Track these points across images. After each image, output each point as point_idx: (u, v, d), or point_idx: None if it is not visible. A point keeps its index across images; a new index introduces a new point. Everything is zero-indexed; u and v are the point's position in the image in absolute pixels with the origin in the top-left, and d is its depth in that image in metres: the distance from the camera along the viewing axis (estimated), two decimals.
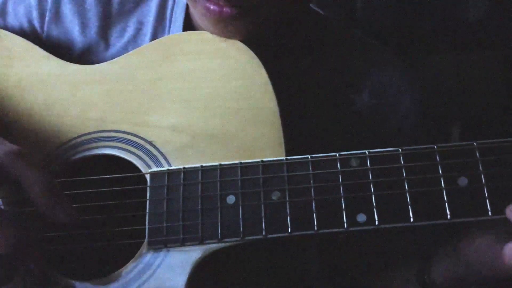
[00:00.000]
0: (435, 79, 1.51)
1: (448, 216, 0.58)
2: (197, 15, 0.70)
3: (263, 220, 0.60)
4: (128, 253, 0.64)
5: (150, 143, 0.67)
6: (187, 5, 0.80)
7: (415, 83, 0.85)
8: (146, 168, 0.66)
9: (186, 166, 0.64)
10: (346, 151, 0.62)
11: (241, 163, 0.62)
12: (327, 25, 0.86)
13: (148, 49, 0.72)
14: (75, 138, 0.69)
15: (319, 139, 0.78)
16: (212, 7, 0.65)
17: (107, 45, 0.80)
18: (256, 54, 0.68)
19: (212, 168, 0.63)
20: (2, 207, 0.66)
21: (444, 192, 0.58)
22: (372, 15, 1.52)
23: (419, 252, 0.76)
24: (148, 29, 0.80)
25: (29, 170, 0.58)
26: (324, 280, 0.84)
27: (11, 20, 0.80)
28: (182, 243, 0.61)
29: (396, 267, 0.81)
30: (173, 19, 0.80)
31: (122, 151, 0.67)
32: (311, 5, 0.82)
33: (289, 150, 0.64)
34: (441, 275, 0.72)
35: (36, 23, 0.80)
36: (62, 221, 0.60)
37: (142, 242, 0.63)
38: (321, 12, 0.86)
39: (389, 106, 0.82)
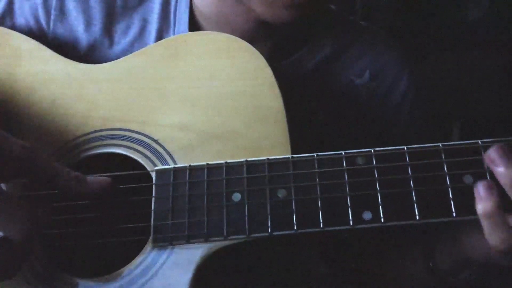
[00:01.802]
0: (435, 79, 1.51)
1: (454, 214, 0.58)
2: (267, 5, 0.71)
3: (269, 218, 0.60)
4: (133, 251, 0.64)
5: (156, 141, 0.67)
6: (190, 2, 0.80)
7: (411, 63, 0.86)
8: (152, 166, 0.66)
9: (192, 164, 0.64)
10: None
11: (247, 161, 0.63)
12: (324, 13, 0.86)
13: (154, 48, 0.72)
14: (81, 136, 0.69)
15: (324, 130, 0.79)
16: None
17: (112, 42, 0.80)
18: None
19: (218, 166, 0.63)
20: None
21: (450, 190, 0.59)
22: (372, 15, 1.53)
23: (422, 238, 0.78)
24: (153, 27, 0.80)
25: (50, 162, 0.60)
26: (326, 280, 0.84)
27: (18, 18, 0.80)
28: (188, 240, 0.61)
29: (400, 253, 0.82)
30: (177, 16, 0.80)
31: (128, 150, 0.67)
32: None
33: (295, 146, 0.65)
34: (444, 261, 0.74)
35: (42, 21, 0.80)
36: (96, 193, 0.62)
37: (147, 240, 0.63)
38: None
39: (388, 87, 0.84)
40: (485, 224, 0.57)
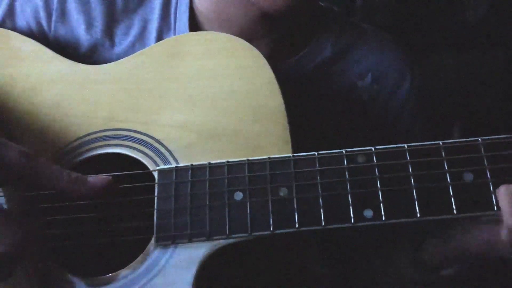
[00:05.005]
0: (435, 78, 1.52)
1: (454, 211, 0.58)
2: None
3: (271, 216, 0.60)
4: (136, 250, 0.64)
5: (158, 141, 0.67)
6: (190, 3, 0.80)
7: (414, 66, 0.86)
8: (154, 166, 0.66)
9: (194, 163, 0.64)
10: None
11: (248, 160, 0.63)
12: (324, 13, 0.86)
13: (155, 49, 0.73)
14: (83, 136, 0.69)
15: (324, 131, 0.79)
16: None
17: (113, 43, 0.80)
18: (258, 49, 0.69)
19: (220, 165, 0.63)
20: (5, 206, 0.66)
21: (450, 187, 0.59)
22: (372, 15, 1.53)
23: (413, 238, 0.78)
24: (153, 27, 0.80)
25: (49, 166, 0.59)
26: (325, 279, 0.84)
27: (19, 20, 0.81)
28: (190, 239, 0.62)
29: (392, 251, 0.82)
30: (177, 17, 0.80)
31: (130, 149, 0.68)
32: None
33: (296, 146, 0.65)
34: (432, 255, 0.74)
35: (44, 23, 0.80)
36: (98, 193, 0.61)
37: (150, 239, 0.64)
38: (321, 4, 0.87)
39: (390, 90, 0.84)
40: (506, 203, 0.56)
